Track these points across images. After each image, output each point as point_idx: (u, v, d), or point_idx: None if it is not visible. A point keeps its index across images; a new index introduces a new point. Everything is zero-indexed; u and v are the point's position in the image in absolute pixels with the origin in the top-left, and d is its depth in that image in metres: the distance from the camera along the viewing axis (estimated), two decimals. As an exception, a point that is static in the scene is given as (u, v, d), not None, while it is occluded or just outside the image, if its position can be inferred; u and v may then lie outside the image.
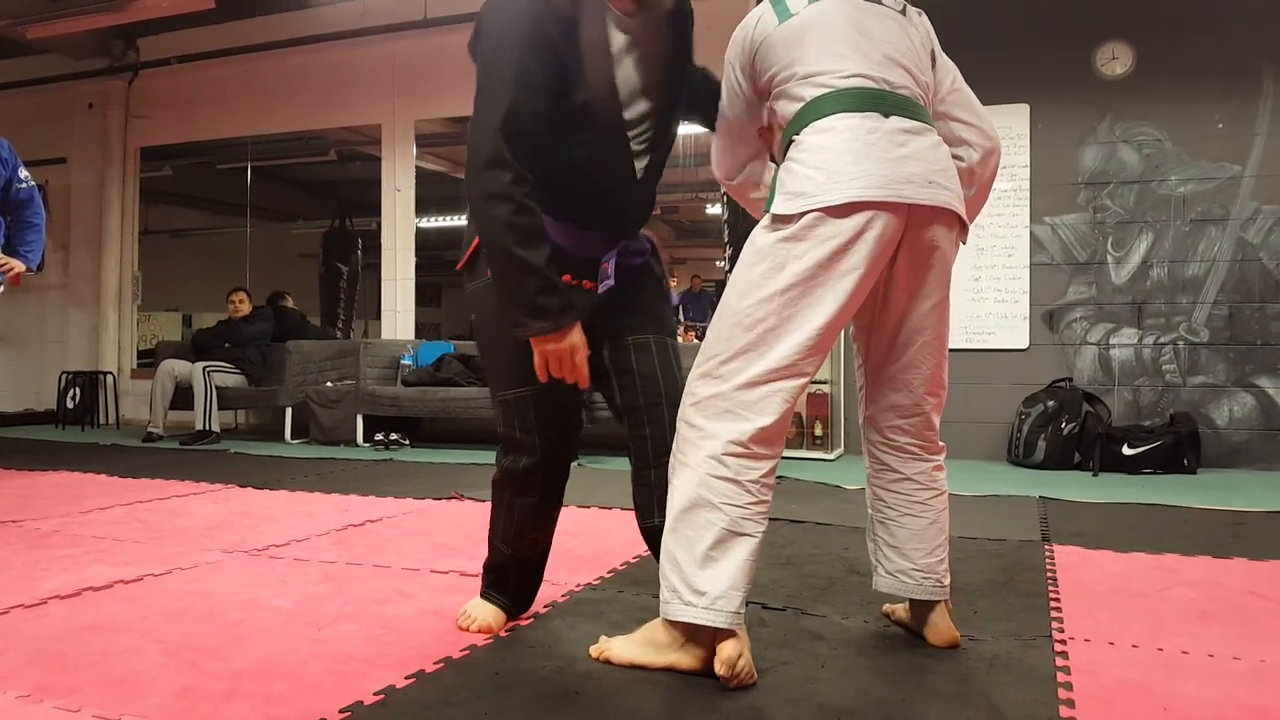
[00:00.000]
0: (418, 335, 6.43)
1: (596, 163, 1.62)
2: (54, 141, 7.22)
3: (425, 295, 6.51)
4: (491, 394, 1.76)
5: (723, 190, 2.18)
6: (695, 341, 5.55)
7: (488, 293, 1.67)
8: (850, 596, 2.06)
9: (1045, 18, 4.98)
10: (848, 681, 1.52)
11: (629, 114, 1.63)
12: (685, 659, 1.52)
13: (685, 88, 1.73)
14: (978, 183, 1.74)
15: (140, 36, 7.11)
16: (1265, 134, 4.65)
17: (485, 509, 1.84)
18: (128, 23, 6.29)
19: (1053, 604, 2.02)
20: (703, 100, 1.81)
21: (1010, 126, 4.98)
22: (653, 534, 1.74)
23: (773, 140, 1.76)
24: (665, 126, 1.71)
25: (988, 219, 5.01)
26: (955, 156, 1.66)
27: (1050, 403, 4.73)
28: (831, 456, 4.95)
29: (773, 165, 1.84)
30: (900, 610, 1.81)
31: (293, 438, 5.82)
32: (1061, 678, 1.54)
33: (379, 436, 5.44)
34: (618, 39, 1.60)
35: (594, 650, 1.62)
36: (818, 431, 4.99)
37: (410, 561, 2.40)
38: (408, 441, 5.50)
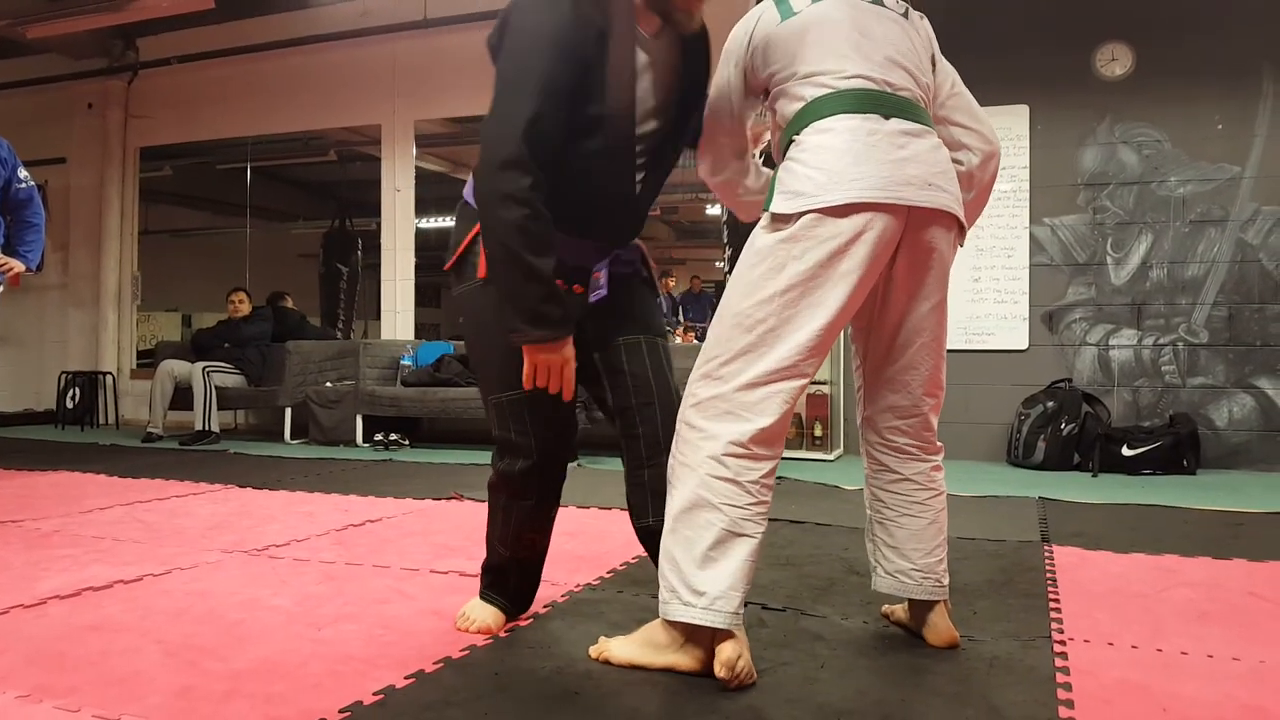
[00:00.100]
0: (417, 336, 6.43)
1: (602, 174, 1.61)
2: (53, 141, 7.22)
3: (425, 296, 6.50)
4: (484, 397, 1.75)
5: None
6: (695, 342, 5.56)
7: (478, 295, 1.67)
8: (850, 597, 2.06)
9: (1045, 19, 4.98)
10: (847, 682, 1.52)
11: (639, 130, 1.63)
12: (684, 659, 1.52)
13: (696, 115, 1.73)
14: (977, 186, 1.74)
15: (140, 36, 7.11)
16: (1265, 135, 4.66)
17: (485, 509, 1.84)
18: (127, 23, 6.29)
19: (1052, 605, 2.02)
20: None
21: (1010, 127, 4.99)
22: (647, 534, 1.74)
23: (758, 139, 1.76)
24: (667, 147, 1.71)
25: (987, 220, 5.01)
26: (955, 160, 1.67)
27: (1050, 403, 4.73)
28: (831, 457, 4.95)
29: (755, 168, 1.85)
30: (900, 611, 1.82)
31: (292, 438, 5.82)
32: (1061, 678, 1.54)
33: (378, 437, 5.44)
34: (640, 57, 1.60)
35: (593, 651, 1.62)
36: (817, 432, 4.99)
37: (410, 562, 2.40)
38: (407, 442, 5.50)
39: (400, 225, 6.52)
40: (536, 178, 1.48)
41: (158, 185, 7.60)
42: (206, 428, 5.62)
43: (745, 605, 1.49)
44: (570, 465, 4.37)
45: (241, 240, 7.25)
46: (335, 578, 2.23)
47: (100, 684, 1.49)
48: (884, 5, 1.64)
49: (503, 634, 1.77)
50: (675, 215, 7.42)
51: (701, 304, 7.33)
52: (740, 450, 1.48)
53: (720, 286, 6.10)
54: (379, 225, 6.59)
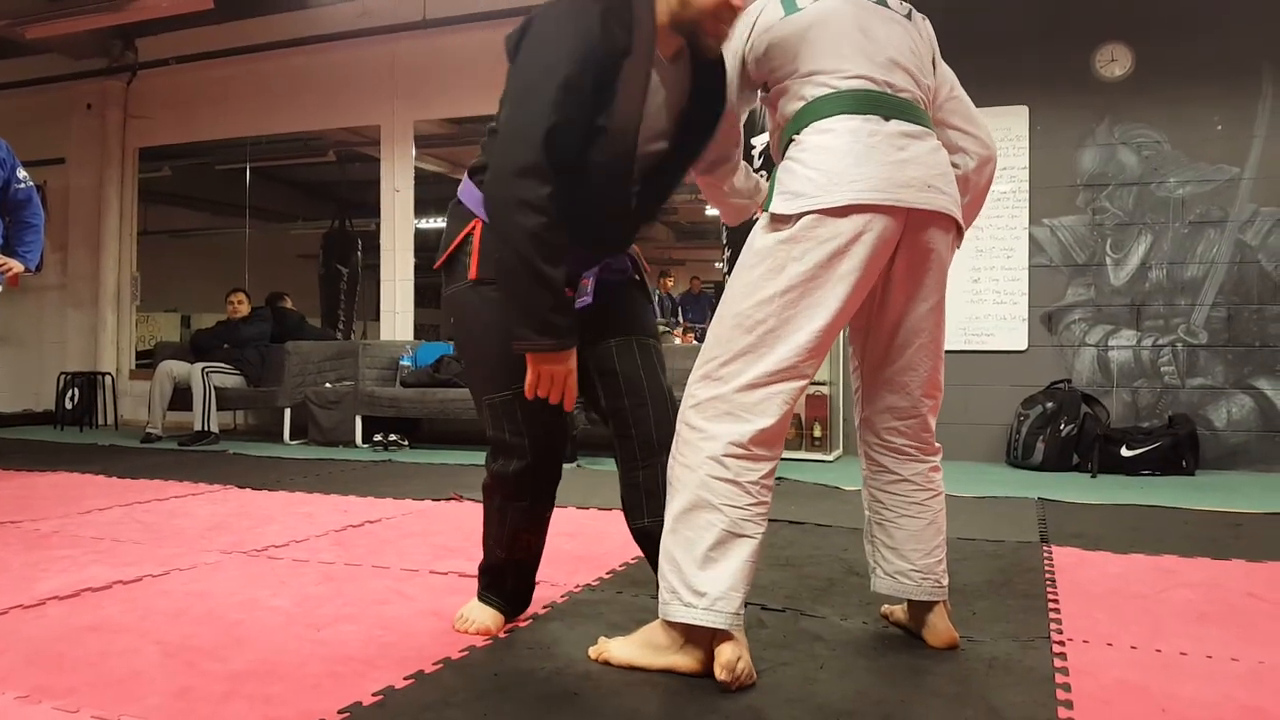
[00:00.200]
0: (416, 336, 6.43)
1: (598, 185, 1.60)
2: (52, 142, 7.22)
3: (424, 296, 6.50)
4: (476, 398, 1.74)
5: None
6: (695, 343, 5.56)
7: (470, 295, 1.67)
8: (849, 597, 2.06)
9: (1045, 20, 4.98)
10: (847, 682, 1.53)
11: (644, 149, 1.63)
12: (684, 660, 1.52)
13: (704, 141, 1.73)
14: (973, 190, 1.75)
15: (139, 37, 7.11)
16: (1264, 136, 4.66)
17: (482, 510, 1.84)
18: (126, 23, 6.29)
19: (1051, 605, 2.02)
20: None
21: (1009, 128, 4.99)
22: (642, 535, 1.74)
23: (738, 137, 1.76)
24: (671, 170, 1.71)
25: (986, 220, 5.02)
26: (951, 164, 1.67)
27: (1049, 404, 4.73)
28: (830, 458, 4.95)
29: (746, 169, 1.85)
30: (899, 611, 1.82)
31: (291, 438, 5.82)
32: (1060, 679, 1.54)
33: (378, 437, 5.44)
34: (654, 79, 1.60)
35: (593, 651, 1.62)
36: (817, 433, 5.00)
37: (409, 562, 2.40)
38: (406, 442, 5.50)
39: (399, 226, 6.52)
40: (554, 186, 1.48)
41: (157, 186, 7.60)
42: (205, 428, 5.62)
43: (745, 606, 1.49)
44: (569, 466, 4.39)
45: (241, 241, 7.25)
46: (334, 578, 2.23)
47: (99, 685, 1.49)
48: (887, 6, 1.64)
49: (502, 635, 1.76)
50: (675, 216, 7.43)
51: (701, 305, 7.34)
52: (740, 451, 1.48)
53: (719, 287, 6.10)
54: (378, 226, 6.59)
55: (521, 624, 1.83)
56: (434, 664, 1.59)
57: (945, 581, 1.72)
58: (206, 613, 1.91)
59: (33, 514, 3.06)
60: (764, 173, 1.90)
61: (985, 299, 5.06)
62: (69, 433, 6.46)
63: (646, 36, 1.55)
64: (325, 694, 1.45)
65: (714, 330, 1.56)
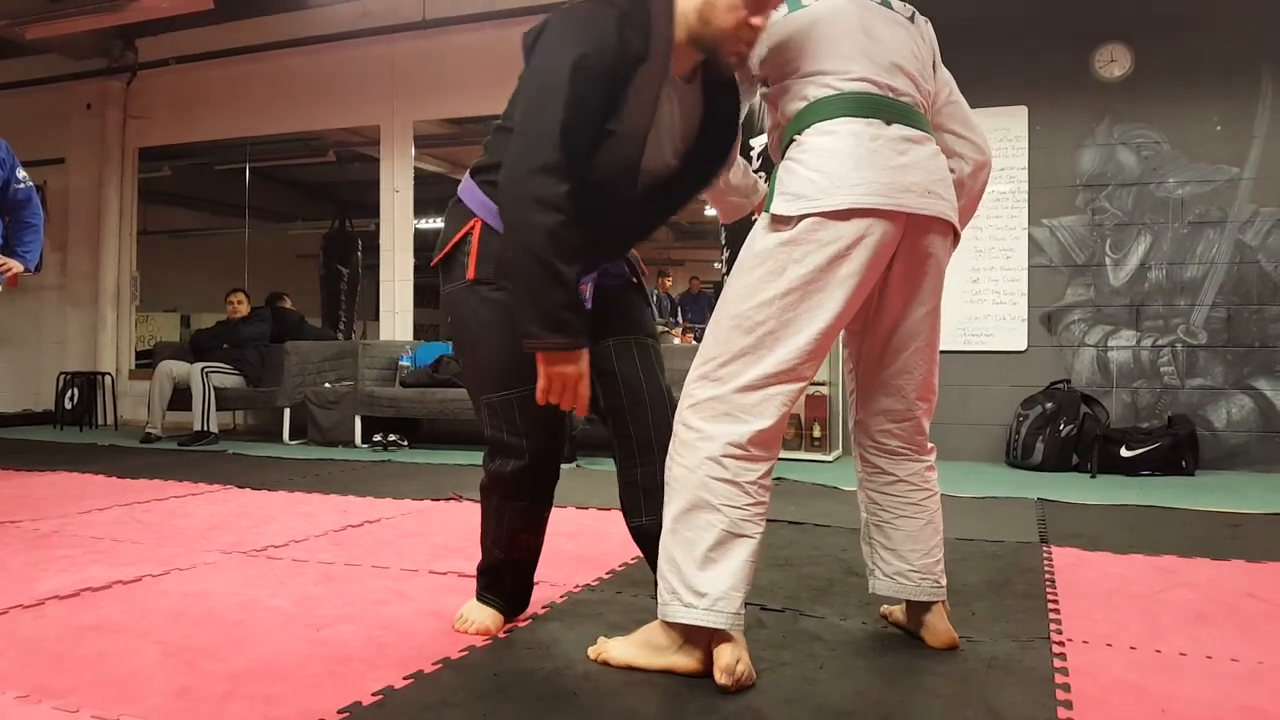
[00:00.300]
0: (416, 336, 6.43)
1: (604, 193, 1.60)
2: (52, 142, 7.22)
3: (424, 296, 6.51)
4: (474, 398, 1.74)
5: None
6: (694, 343, 5.55)
7: (467, 295, 1.67)
8: (848, 598, 2.06)
9: (1044, 20, 4.98)
10: (846, 682, 1.53)
11: (651, 164, 1.63)
12: (683, 660, 1.52)
13: (713, 162, 1.73)
14: (967, 195, 1.76)
15: (139, 37, 7.11)
16: (1263, 136, 4.66)
17: (483, 510, 1.84)
18: (126, 23, 6.29)
19: (1051, 605, 2.02)
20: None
21: (1008, 129, 4.99)
22: (640, 533, 1.74)
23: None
24: (677, 188, 1.71)
25: (986, 220, 5.02)
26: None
27: (1048, 404, 4.73)
28: (829, 458, 4.95)
29: (744, 167, 1.85)
30: (898, 612, 1.82)
31: (291, 438, 5.82)
32: (1059, 679, 1.54)
33: (377, 437, 5.44)
34: (668, 93, 1.60)
35: (592, 651, 1.62)
36: (816, 433, 5.00)
37: (408, 562, 2.40)
38: (406, 442, 5.50)
39: (399, 226, 6.52)
40: (571, 185, 1.48)
41: (156, 186, 7.60)
42: (205, 428, 5.62)
43: (745, 606, 1.49)
44: (569, 466, 4.39)
45: (240, 241, 7.25)
46: (334, 578, 2.23)
47: (98, 684, 1.49)
48: (891, 8, 1.64)
49: (501, 635, 1.77)
50: (674, 216, 7.41)
51: (700, 305, 7.34)
52: (738, 451, 1.48)
53: (718, 287, 6.10)
54: (378, 226, 6.59)
55: (521, 624, 1.83)
56: (433, 664, 1.59)
57: (944, 581, 1.72)
58: (206, 613, 1.91)
59: (32, 514, 3.06)
60: (762, 174, 1.90)
61: (985, 299, 5.06)
62: (68, 433, 6.46)
63: (663, 45, 1.55)
64: (325, 694, 1.45)
65: (712, 331, 1.56)
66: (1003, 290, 5.04)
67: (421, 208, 6.52)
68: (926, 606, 1.71)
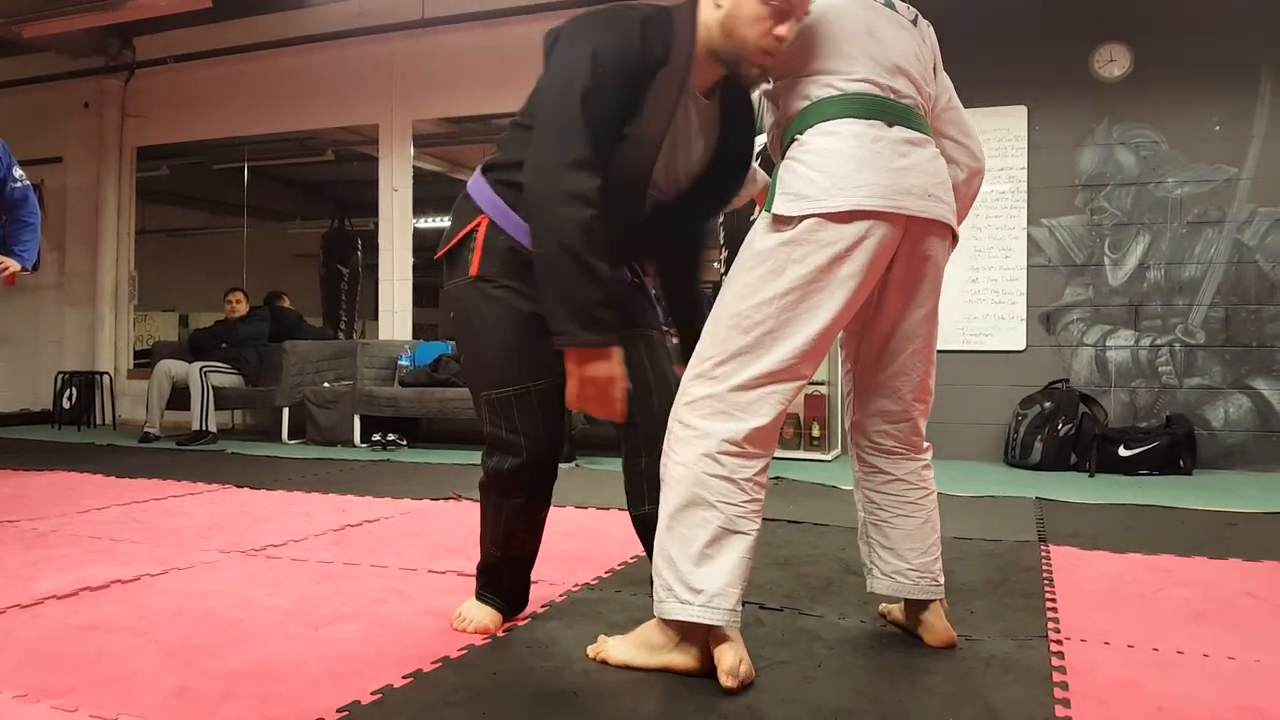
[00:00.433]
0: (415, 336, 6.42)
1: (614, 197, 1.59)
2: (50, 141, 7.21)
3: (423, 296, 6.50)
4: (473, 394, 1.74)
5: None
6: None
7: (470, 291, 1.67)
8: (847, 596, 2.06)
9: (1043, 20, 4.98)
10: (844, 681, 1.53)
11: (669, 174, 1.63)
12: (681, 659, 1.52)
13: (728, 180, 1.74)
14: (960, 200, 1.76)
15: (137, 36, 7.10)
16: (1262, 136, 4.67)
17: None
18: (124, 22, 6.28)
19: (1049, 604, 2.02)
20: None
21: (1008, 128, 4.99)
22: (643, 521, 1.74)
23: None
24: (689, 204, 1.72)
25: (985, 220, 5.03)
26: None
27: (1047, 404, 4.74)
28: (828, 457, 4.95)
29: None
30: (896, 610, 1.82)
31: (290, 438, 5.82)
32: (1057, 677, 1.54)
33: (376, 437, 5.44)
34: (685, 109, 1.60)
35: (591, 650, 1.62)
36: (815, 432, 5.00)
37: (407, 562, 2.40)
38: (405, 442, 5.50)
39: (398, 225, 6.51)
40: (601, 181, 1.48)
41: (154, 185, 7.59)
42: (204, 428, 5.62)
43: (743, 604, 1.49)
44: (568, 466, 4.39)
45: (238, 240, 7.25)
46: (333, 578, 2.23)
47: (97, 684, 1.49)
48: (895, 9, 1.64)
49: (500, 634, 1.77)
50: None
51: (699, 304, 7.31)
52: (734, 448, 1.49)
53: (717, 287, 6.09)
54: (377, 225, 6.58)
55: (520, 623, 1.83)
56: (432, 663, 1.59)
57: (942, 580, 1.72)
58: (205, 612, 1.91)
59: (30, 513, 3.06)
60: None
61: (983, 299, 5.06)
62: (67, 432, 6.45)
63: (684, 52, 1.55)
64: (324, 693, 1.45)
65: (710, 330, 1.57)
66: (1001, 290, 5.04)
67: (420, 207, 6.52)
68: (925, 605, 1.72)
